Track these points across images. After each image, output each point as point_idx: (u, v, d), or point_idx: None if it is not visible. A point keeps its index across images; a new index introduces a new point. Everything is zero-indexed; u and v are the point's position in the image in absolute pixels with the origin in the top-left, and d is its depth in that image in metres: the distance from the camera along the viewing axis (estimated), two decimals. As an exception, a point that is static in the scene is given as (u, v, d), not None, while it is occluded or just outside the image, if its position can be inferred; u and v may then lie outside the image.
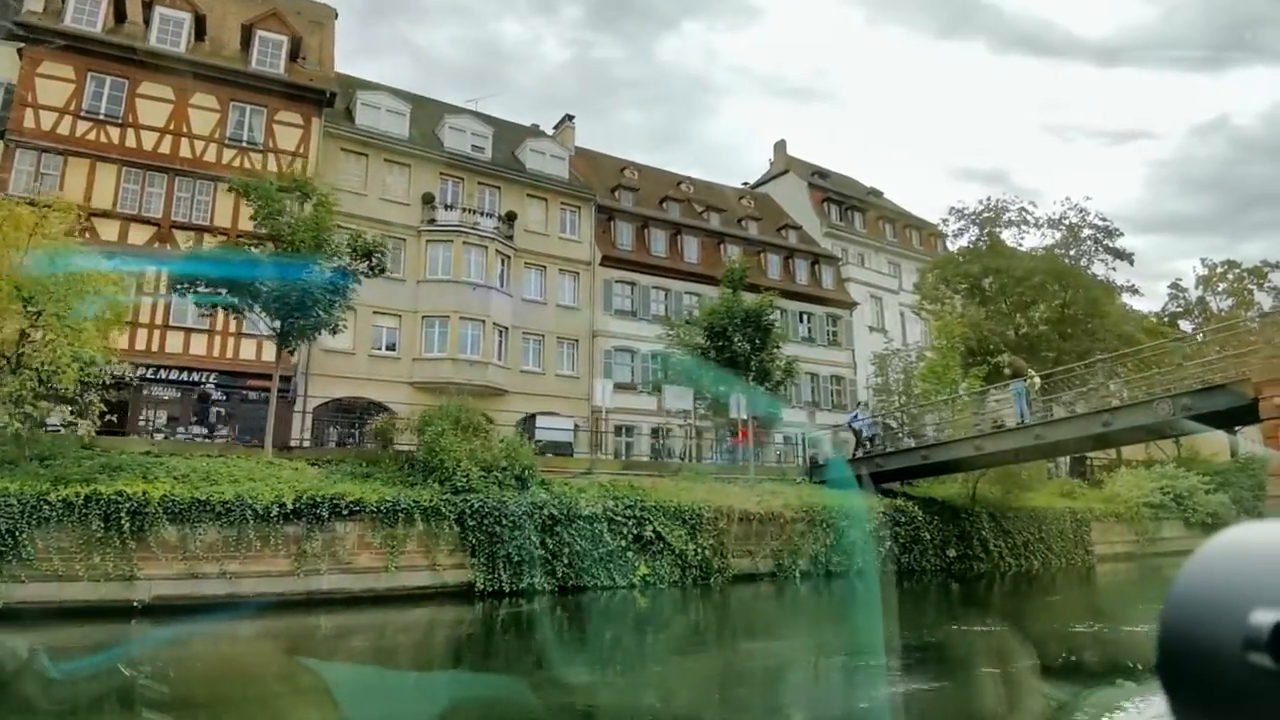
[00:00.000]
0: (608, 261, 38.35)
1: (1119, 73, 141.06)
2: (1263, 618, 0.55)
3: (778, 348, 26.12)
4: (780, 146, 50.80)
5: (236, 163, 29.94)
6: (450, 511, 16.30)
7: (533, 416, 30.10)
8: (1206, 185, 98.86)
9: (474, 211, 35.06)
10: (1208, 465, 34.62)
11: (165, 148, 29.06)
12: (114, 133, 27.84)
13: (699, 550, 19.02)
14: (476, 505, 16.55)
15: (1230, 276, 40.88)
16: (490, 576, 16.32)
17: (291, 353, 23.45)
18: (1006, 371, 22.13)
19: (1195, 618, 0.60)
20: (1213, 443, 46.67)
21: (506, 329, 34.84)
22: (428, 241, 33.78)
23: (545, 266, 36.93)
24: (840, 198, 48.92)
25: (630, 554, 18.14)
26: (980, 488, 27.08)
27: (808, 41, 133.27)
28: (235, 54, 31.92)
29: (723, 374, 25.02)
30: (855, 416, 28.33)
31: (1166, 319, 42.34)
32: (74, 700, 8.89)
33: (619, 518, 18.20)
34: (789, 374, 26.36)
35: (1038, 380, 21.38)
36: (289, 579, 14.77)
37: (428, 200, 34.15)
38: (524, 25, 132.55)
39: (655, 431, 35.50)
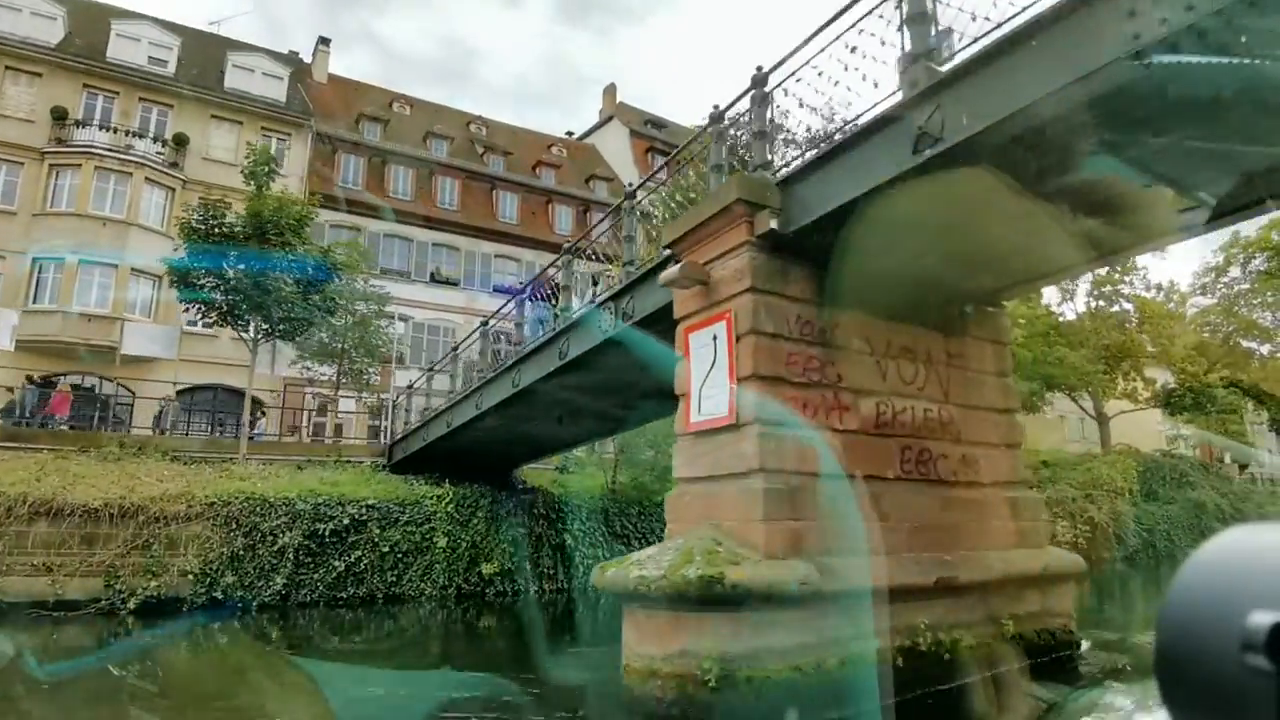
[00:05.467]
0: (320, 200, 29.81)
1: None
2: (1260, 620, 0.52)
3: (334, 280, 17.61)
4: (609, 91, 41.84)
5: None
6: None
7: None
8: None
9: (128, 132, 26.97)
10: (1030, 455, 24.81)
11: None
12: None
13: None
14: None
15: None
16: None
17: None
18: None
19: (1193, 619, 0.57)
20: (1081, 429, 36.51)
21: (160, 279, 26.70)
22: (51, 166, 25.84)
23: (230, 202, 28.62)
24: (671, 149, 39.70)
25: None
26: (627, 476, 18.16)
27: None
28: None
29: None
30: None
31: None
32: None
33: None
34: (328, 312, 17.83)
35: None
36: None
37: (59, 116, 26.17)
38: (491, 19, 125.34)
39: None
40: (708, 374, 6.80)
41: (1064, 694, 7.90)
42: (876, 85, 6.12)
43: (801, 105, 6.77)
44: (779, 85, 7.12)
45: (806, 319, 6.84)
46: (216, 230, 16.28)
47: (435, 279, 31.57)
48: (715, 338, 6.77)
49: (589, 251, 10.88)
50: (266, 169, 17.55)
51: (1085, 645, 8.53)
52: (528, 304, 12.85)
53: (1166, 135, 5.46)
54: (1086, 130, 5.53)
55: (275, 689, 8.85)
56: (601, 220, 11.09)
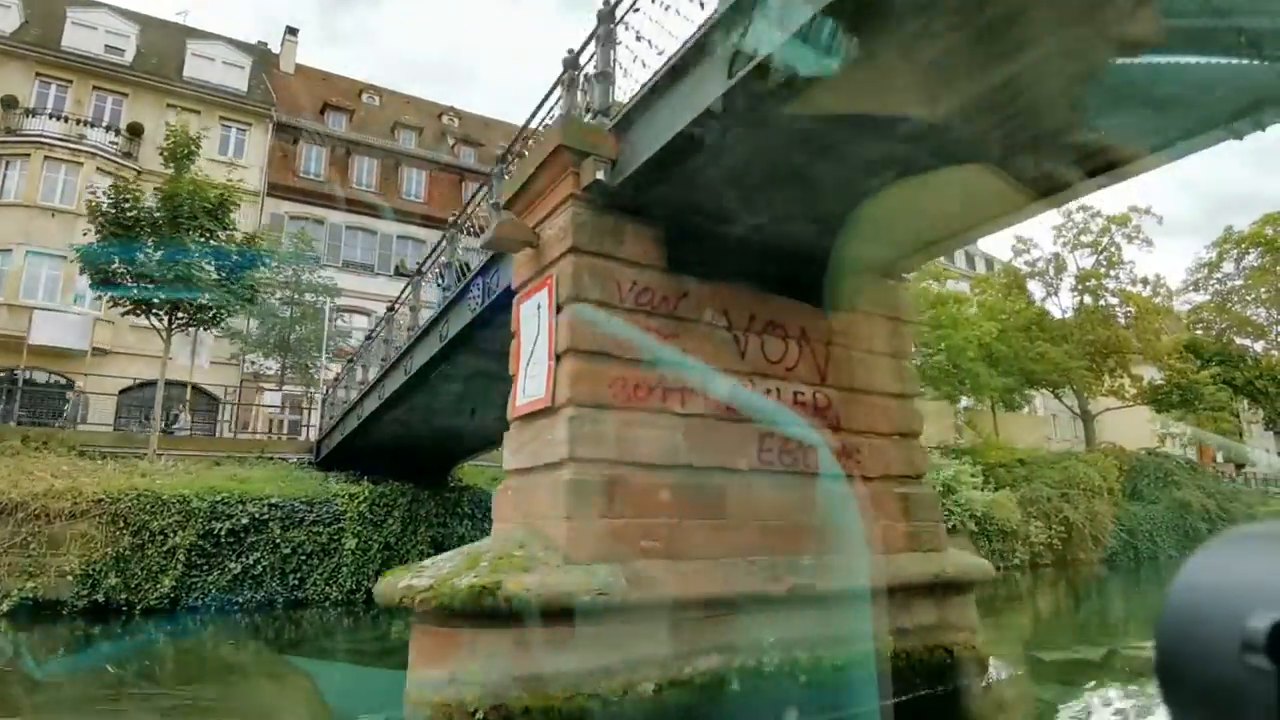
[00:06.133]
0: (280, 191, 29.13)
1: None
2: (1260, 620, 0.52)
3: (261, 267, 16.73)
4: (588, 81, 40.78)
5: None
6: None
7: None
8: (1183, 185, 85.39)
9: (80, 121, 26.32)
10: (1006, 452, 23.70)
11: None
12: None
13: None
14: None
15: (1094, 227, 29.60)
16: None
17: None
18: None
19: (1193, 620, 0.57)
20: (1061, 427, 35.25)
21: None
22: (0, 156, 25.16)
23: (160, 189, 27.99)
24: (650, 138, 38.68)
25: None
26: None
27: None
28: None
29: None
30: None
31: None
32: None
33: None
34: (249, 300, 16.94)
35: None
36: None
37: (9, 105, 25.57)
38: (491, 17, 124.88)
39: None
40: (532, 350, 5.87)
41: (1065, 693, 7.69)
42: (703, 5, 5.17)
43: (639, 39, 5.83)
44: (621, 20, 6.18)
45: (645, 286, 5.89)
46: (129, 214, 15.45)
47: (400, 272, 30.70)
48: (539, 307, 5.83)
49: (467, 226, 9.94)
50: (186, 150, 16.69)
51: (997, 669, 7.46)
52: (428, 286, 11.93)
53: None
54: (938, 49, 4.56)
55: None
56: (478, 191, 10.16)
